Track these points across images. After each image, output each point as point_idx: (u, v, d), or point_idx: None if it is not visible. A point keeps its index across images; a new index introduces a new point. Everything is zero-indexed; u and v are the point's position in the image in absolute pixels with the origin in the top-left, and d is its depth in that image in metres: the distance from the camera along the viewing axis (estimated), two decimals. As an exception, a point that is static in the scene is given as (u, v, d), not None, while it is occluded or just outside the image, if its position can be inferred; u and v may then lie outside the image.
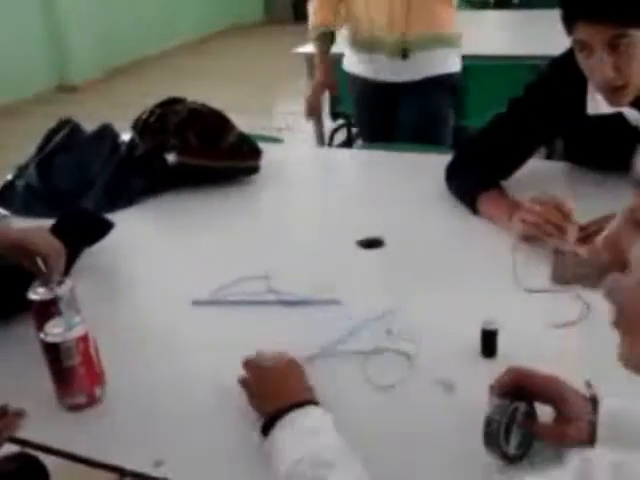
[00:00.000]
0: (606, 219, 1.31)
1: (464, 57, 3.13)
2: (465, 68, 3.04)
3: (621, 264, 0.54)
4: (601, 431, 0.84)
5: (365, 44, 2.50)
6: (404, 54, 2.44)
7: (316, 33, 2.62)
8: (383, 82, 2.54)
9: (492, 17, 4.56)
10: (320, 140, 3.03)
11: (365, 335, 1.18)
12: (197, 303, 1.33)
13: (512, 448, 0.89)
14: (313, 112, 2.75)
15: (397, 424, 1.01)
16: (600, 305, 0.82)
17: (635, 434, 0.82)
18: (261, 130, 2.49)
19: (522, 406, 0.89)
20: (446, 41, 2.50)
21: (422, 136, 2.45)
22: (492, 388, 0.91)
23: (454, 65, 2.55)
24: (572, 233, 1.33)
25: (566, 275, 1.31)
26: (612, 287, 0.56)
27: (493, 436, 0.88)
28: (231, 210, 1.72)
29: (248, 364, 1.05)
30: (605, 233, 0.55)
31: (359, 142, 2.89)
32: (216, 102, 1.94)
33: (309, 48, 2.75)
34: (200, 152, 1.73)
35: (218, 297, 1.33)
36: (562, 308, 1.21)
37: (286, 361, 1.04)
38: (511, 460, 0.90)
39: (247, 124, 1.99)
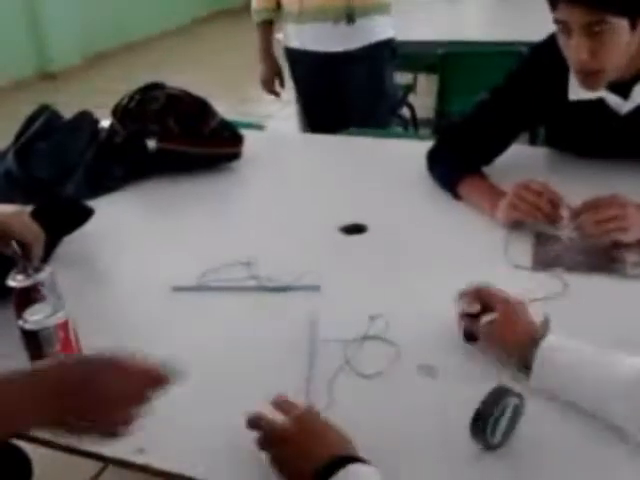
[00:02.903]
0: (594, 203, 1.32)
1: (446, 43, 3.15)
2: (446, 54, 3.06)
3: None
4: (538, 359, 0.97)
5: (308, 13, 2.53)
6: (350, 19, 2.47)
7: (257, 19, 2.67)
8: (330, 53, 2.57)
9: (473, 2, 4.55)
10: (304, 126, 3.01)
11: (348, 322, 1.18)
12: (178, 289, 1.32)
13: (496, 439, 0.90)
14: (272, 93, 2.87)
15: (382, 411, 1.01)
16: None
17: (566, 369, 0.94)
18: (247, 116, 2.48)
19: (513, 401, 0.90)
20: (384, 9, 2.59)
21: (376, 103, 2.57)
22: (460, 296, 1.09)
23: (391, 31, 2.66)
24: (564, 219, 1.35)
25: (549, 258, 1.33)
26: None
27: (480, 428, 0.89)
28: (212, 196, 1.71)
29: (265, 438, 0.90)
30: None
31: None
32: (201, 88, 1.93)
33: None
34: (180, 138, 1.72)
35: (199, 283, 1.33)
36: (543, 286, 1.23)
37: (304, 416, 0.91)
38: (493, 448, 0.91)
39: (232, 110, 1.98)
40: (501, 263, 1.33)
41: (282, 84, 2.88)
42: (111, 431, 0.85)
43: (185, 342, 1.18)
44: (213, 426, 1.00)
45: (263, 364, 1.11)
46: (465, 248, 1.40)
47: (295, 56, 2.71)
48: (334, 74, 2.63)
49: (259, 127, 2.28)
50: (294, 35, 2.65)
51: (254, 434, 0.90)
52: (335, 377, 1.07)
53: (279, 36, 2.82)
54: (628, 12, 1.35)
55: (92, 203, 1.58)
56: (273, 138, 2.25)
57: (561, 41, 1.43)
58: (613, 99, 1.53)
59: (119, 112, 1.81)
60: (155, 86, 1.81)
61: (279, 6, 2.65)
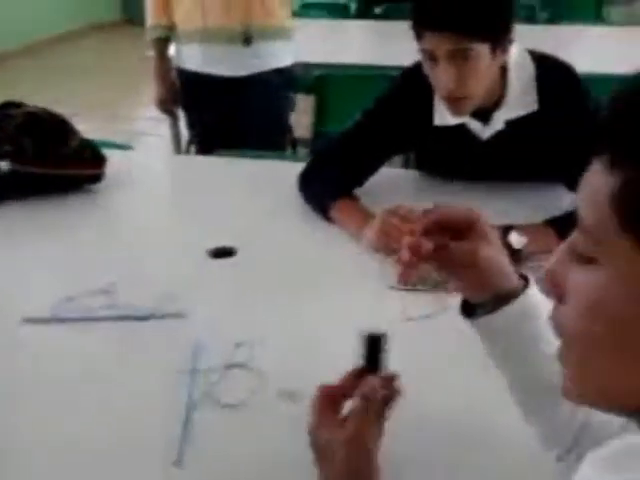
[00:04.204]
0: None
1: (324, 65, 3.17)
2: (325, 76, 3.08)
3: (561, 295, 0.55)
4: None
5: (209, 34, 2.45)
6: (247, 41, 2.42)
7: (152, 35, 2.58)
8: (223, 77, 2.50)
9: (353, 26, 4.65)
10: (177, 147, 2.94)
11: (213, 350, 1.14)
12: (29, 320, 1.22)
13: None
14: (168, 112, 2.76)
15: (242, 442, 0.97)
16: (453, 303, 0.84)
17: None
18: (118, 134, 2.38)
19: None
20: (285, 34, 2.54)
21: (271, 130, 2.53)
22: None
23: (291, 58, 2.60)
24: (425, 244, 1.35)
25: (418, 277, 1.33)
26: (553, 318, 0.57)
27: None
28: (71, 221, 1.62)
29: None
30: (546, 266, 0.56)
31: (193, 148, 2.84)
32: (69, 105, 1.83)
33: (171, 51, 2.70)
34: (37, 159, 1.61)
35: (53, 314, 1.24)
36: (419, 306, 1.23)
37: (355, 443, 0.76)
38: None
39: (101, 128, 1.88)
40: (374, 284, 1.32)
41: (178, 103, 2.74)
42: None
43: (36, 379, 1.10)
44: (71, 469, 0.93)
45: (122, 399, 1.05)
46: (337, 271, 1.39)
47: (190, 77, 2.60)
48: (230, 99, 2.53)
49: (125, 147, 2.19)
50: (191, 56, 2.54)
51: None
52: (195, 408, 1.02)
53: (171, 55, 2.69)
54: (490, 38, 1.40)
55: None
56: (141, 159, 2.17)
57: (427, 69, 1.47)
58: (475, 125, 1.57)
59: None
60: (11, 104, 1.70)
61: (174, 24, 2.55)
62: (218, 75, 2.50)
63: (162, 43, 2.60)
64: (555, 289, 0.56)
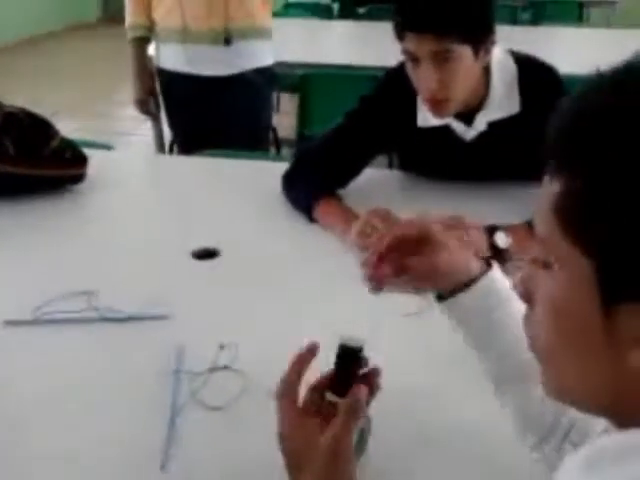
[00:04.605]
0: (440, 223, 1.34)
1: (307, 65, 3.17)
2: (308, 76, 3.08)
3: (531, 300, 0.59)
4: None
5: (189, 33, 2.44)
6: (227, 41, 2.42)
7: (132, 35, 2.56)
8: (203, 77, 2.49)
9: (336, 27, 4.65)
10: (160, 147, 2.91)
11: (197, 352, 1.13)
12: (10, 323, 1.21)
13: None
14: (147, 113, 2.73)
15: (228, 444, 0.97)
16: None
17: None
18: (99, 134, 2.35)
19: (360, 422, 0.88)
20: (264, 34, 2.53)
21: (253, 129, 2.52)
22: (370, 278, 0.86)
23: (271, 58, 2.60)
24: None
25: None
26: (525, 322, 0.60)
27: None
28: (51, 222, 1.59)
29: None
30: (519, 274, 0.61)
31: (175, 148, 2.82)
32: (50, 104, 1.81)
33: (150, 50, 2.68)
34: (18, 159, 1.59)
35: (34, 317, 1.22)
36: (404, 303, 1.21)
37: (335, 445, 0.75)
38: None
39: (82, 128, 1.86)
40: (359, 284, 1.31)
41: (157, 104, 2.73)
42: None
43: (17, 382, 1.08)
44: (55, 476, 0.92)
45: (105, 402, 1.04)
46: (321, 271, 1.39)
47: (170, 77, 2.58)
48: (211, 98, 2.53)
49: (107, 147, 2.17)
50: (171, 55, 2.53)
51: None
52: (180, 411, 1.01)
53: (151, 53, 2.67)
54: (471, 40, 1.40)
55: None
56: (123, 159, 2.16)
57: (410, 70, 1.47)
58: (458, 126, 1.58)
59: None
60: (-10, 105, 1.68)
61: (154, 23, 2.53)
62: (198, 75, 2.49)
63: (141, 43, 2.59)
64: (525, 295, 0.59)
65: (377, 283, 0.85)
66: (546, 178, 0.53)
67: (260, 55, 2.53)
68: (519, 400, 0.84)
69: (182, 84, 2.54)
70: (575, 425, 0.79)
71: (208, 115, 2.54)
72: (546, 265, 0.55)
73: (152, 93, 2.68)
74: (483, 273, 0.85)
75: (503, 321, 0.84)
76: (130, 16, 2.56)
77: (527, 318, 0.60)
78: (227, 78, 2.48)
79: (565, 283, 0.53)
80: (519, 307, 0.79)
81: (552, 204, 0.52)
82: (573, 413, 0.79)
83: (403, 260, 0.85)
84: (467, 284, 0.85)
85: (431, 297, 0.93)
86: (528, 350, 0.63)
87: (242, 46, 2.45)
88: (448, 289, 0.86)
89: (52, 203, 1.66)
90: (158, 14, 2.49)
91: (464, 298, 0.85)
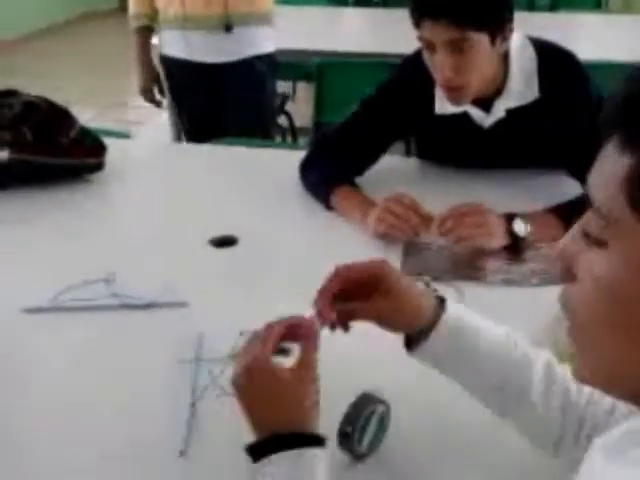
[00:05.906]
0: (459, 210, 1.35)
1: (323, 53, 3.15)
2: (324, 64, 3.07)
3: (572, 275, 0.55)
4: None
5: (189, 20, 2.45)
6: (227, 28, 2.42)
7: (134, 24, 2.58)
8: (205, 64, 2.50)
9: (351, 14, 4.62)
10: (177, 135, 2.92)
11: (217, 339, 1.13)
12: (30, 311, 1.22)
13: (363, 448, 0.90)
14: (152, 102, 2.76)
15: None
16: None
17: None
18: (115, 122, 2.36)
19: (379, 408, 0.89)
20: (265, 19, 2.53)
21: (256, 115, 2.53)
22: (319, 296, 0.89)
23: (272, 44, 2.60)
24: (432, 229, 1.37)
25: (417, 266, 1.34)
26: (563, 297, 0.57)
27: (347, 438, 0.88)
28: (71, 210, 1.60)
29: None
30: (558, 245, 0.56)
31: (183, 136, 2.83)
32: (67, 93, 1.82)
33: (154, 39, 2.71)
34: (37, 148, 1.60)
35: (54, 303, 1.23)
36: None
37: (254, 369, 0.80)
38: (360, 458, 0.90)
39: (99, 117, 1.87)
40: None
41: (162, 92, 2.76)
42: None
43: (39, 370, 1.09)
44: (79, 458, 0.94)
45: (124, 389, 1.05)
46: (337, 259, 1.37)
47: (173, 64, 2.61)
48: (213, 85, 2.55)
49: (125, 135, 2.18)
50: (172, 43, 2.55)
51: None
52: (200, 398, 1.02)
53: (155, 42, 2.70)
54: (488, 28, 1.39)
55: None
56: (140, 147, 2.16)
57: (426, 57, 1.46)
58: (476, 113, 1.57)
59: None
60: (9, 93, 1.69)
61: (157, 12, 2.55)
62: (199, 62, 2.51)
63: (144, 31, 2.61)
64: (566, 269, 0.56)
65: (330, 327, 0.86)
66: (607, 152, 0.51)
67: (261, 42, 2.54)
68: (519, 423, 0.85)
69: (184, 71, 2.57)
70: (584, 425, 0.79)
71: (210, 102, 2.57)
72: (599, 243, 0.52)
73: (156, 81, 2.70)
74: (439, 315, 0.84)
75: (477, 355, 0.83)
76: (133, 5, 2.59)
77: (566, 295, 0.56)
78: (228, 65, 2.50)
79: (620, 262, 0.50)
80: (485, 334, 0.84)
81: (621, 178, 0.49)
82: (573, 413, 0.80)
83: (351, 304, 0.86)
84: (430, 325, 0.84)
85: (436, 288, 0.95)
86: (513, 371, 0.66)
87: (243, 33, 2.47)
88: (409, 330, 0.86)
89: (71, 191, 1.67)
90: (160, 2, 2.50)
91: (428, 346, 0.84)
